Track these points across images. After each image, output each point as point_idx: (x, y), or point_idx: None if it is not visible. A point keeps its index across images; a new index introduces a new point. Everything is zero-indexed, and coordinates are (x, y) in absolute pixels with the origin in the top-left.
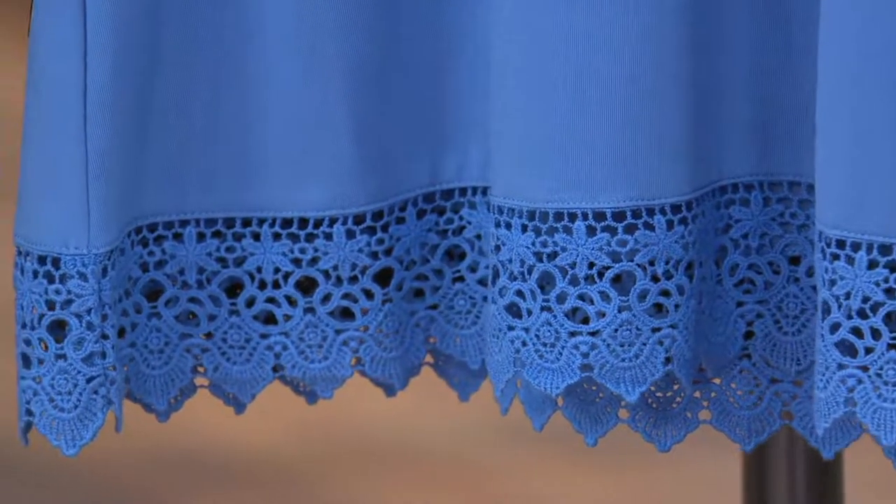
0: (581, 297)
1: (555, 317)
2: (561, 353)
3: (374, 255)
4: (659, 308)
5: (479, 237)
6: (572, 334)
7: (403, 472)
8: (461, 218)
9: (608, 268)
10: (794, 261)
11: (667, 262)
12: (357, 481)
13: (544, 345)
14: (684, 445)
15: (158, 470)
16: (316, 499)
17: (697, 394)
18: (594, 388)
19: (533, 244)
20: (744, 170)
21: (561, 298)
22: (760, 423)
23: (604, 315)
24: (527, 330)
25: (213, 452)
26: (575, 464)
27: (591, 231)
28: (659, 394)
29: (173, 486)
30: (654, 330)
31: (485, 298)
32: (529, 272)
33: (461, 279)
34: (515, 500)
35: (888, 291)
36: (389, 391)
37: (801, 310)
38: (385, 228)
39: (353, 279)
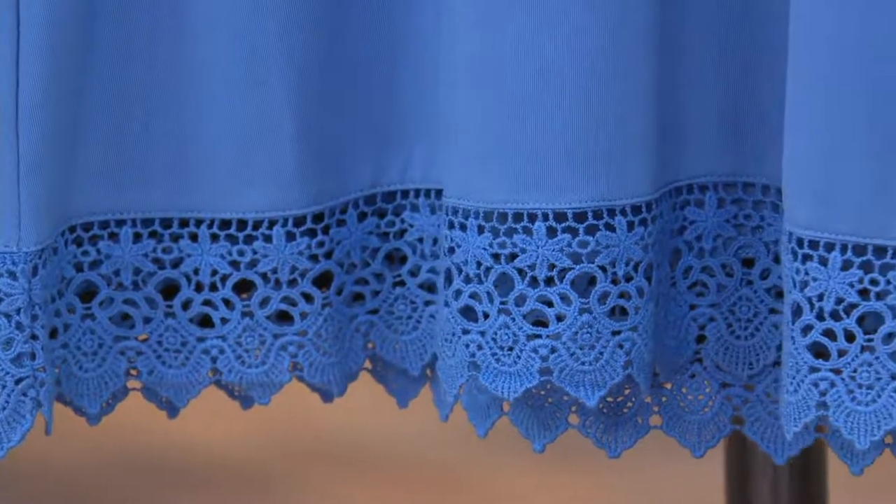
0: (541, 300)
1: (513, 319)
2: (519, 357)
3: (314, 258)
4: (619, 311)
5: (420, 240)
6: (531, 337)
7: (365, 474)
8: (403, 221)
9: (569, 269)
10: (748, 263)
11: (627, 264)
12: (316, 484)
13: (501, 348)
14: (666, 447)
15: (119, 473)
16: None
17: (648, 398)
18: (542, 392)
19: (490, 245)
20: (700, 170)
21: (520, 301)
22: (711, 429)
23: (563, 318)
24: (483, 333)
25: (171, 456)
26: (544, 464)
27: (551, 232)
28: (610, 398)
29: (136, 490)
30: (615, 333)
31: (426, 303)
32: (486, 274)
33: (402, 283)
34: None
35: (862, 293)
36: (327, 397)
37: (755, 313)
38: (325, 231)
39: (293, 282)
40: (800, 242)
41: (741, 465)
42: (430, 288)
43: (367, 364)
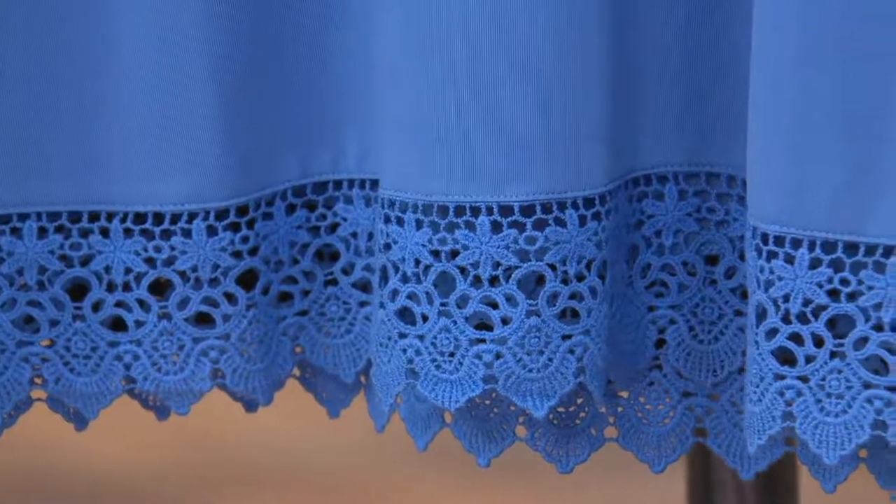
0: (484, 301)
1: (454, 322)
2: (461, 363)
3: (238, 255)
4: (570, 313)
5: (354, 235)
6: (474, 342)
7: (282, 495)
8: (335, 214)
9: (515, 268)
10: (712, 261)
11: (578, 262)
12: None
13: (442, 354)
14: (622, 461)
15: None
16: None
17: (603, 409)
18: (487, 402)
19: (430, 241)
20: (659, 160)
21: (461, 302)
22: (672, 442)
23: (509, 321)
24: (422, 337)
25: (54, 473)
26: (488, 480)
27: (496, 227)
28: (560, 409)
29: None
30: (565, 337)
31: (361, 304)
32: (425, 273)
33: (334, 282)
34: None
35: (832, 293)
36: (251, 406)
37: (719, 315)
38: (250, 225)
39: (214, 281)
40: (765, 238)
41: (704, 482)
42: (364, 287)
43: (296, 371)
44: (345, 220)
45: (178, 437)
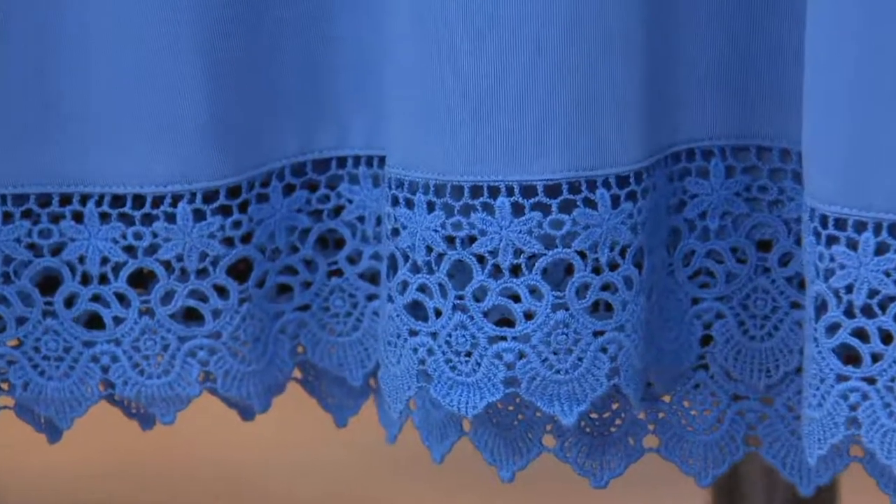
0: (505, 293)
1: (471, 318)
2: (479, 364)
3: (229, 242)
4: (602, 306)
5: (361, 220)
6: (494, 340)
7: None
8: (339, 195)
9: (539, 256)
10: (764, 246)
11: (611, 249)
12: None
13: (457, 353)
14: (636, 478)
15: None
16: None
17: (642, 415)
18: (511, 408)
19: (443, 226)
20: (703, 132)
21: (479, 294)
22: (720, 452)
23: (533, 316)
24: (434, 335)
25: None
26: (508, 496)
27: (517, 209)
28: (594, 415)
29: None
30: (597, 334)
31: (369, 297)
32: (438, 262)
33: (339, 273)
34: None
35: None
36: (246, 414)
37: (773, 308)
38: (243, 208)
39: (202, 272)
40: (824, 221)
41: (732, 497)
42: (373, 279)
43: (297, 373)
44: (350, 202)
45: (157, 448)
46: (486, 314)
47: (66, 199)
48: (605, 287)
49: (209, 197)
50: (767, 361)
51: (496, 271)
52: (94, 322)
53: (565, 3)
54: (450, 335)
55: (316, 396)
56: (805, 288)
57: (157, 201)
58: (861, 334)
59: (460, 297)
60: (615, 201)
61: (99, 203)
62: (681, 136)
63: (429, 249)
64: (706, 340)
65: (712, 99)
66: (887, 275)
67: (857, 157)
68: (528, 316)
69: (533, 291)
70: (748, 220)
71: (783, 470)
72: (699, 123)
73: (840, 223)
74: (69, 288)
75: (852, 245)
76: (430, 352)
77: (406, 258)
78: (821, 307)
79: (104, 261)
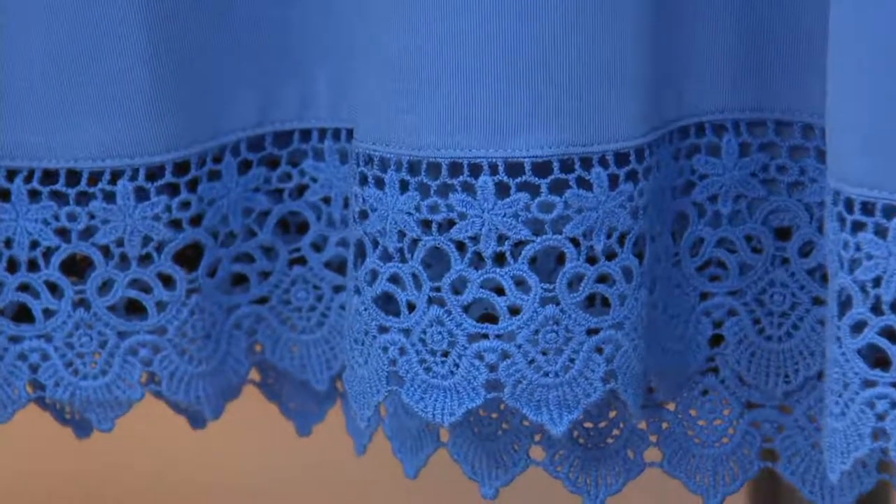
0: (487, 285)
1: (448, 313)
2: (457, 365)
3: (176, 225)
4: (598, 301)
5: (327, 201)
6: (474, 338)
7: None
8: (302, 173)
9: (526, 242)
10: (783, 234)
11: (608, 235)
12: None
13: (433, 353)
14: (663, 491)
15: None
16: None
17: (643, 424)
18: (494, 415)
19: (417, 209)
20: (714, 104)
21: (458, 287)
22: (731, 467)
23: (519, 311)
24: (407, 332)
25: None
26: None
27: (501, 190)
28: (588, 424)
29: None
30: (591, 332)
31: (336, 289)
32: (412, 249)
33: (301, 261)
34: None
35: None
36: (196, 421)
37: (792, 304)
38: (192, 187)
39: (146, 259)
40: (849, 205)
41: None
42: (340, 268)
43: (254, 375)
44: (315, 180)
45: (91, 455)
46: (465, 309)
47: None
48: (600, 279)
49: (153, 173)
50: (786, 365)
51: (477, 260)
52: (21, 314)
53: None
54: (424, 332)
55: (276, 401)
56: (828, 282)
57: (94, 178)
58: (890, 334)
59: (437, 290)
60: (613, 182)
61: (28, 179)
62: (689, 107)
63: (401, 235)
64: (716, 340)
65: (725, 67)
66: None
67: (887, 134)
68: (514, 311)
69: (519, 283)
70: (765, 205)
71: (802, 488)
72: (709, 94)
73: (867, 207)
74: None
75: (881, 232)
76: (402, 351)
77: (375, 244)
78: (845, 303)
79: (33, 245)
